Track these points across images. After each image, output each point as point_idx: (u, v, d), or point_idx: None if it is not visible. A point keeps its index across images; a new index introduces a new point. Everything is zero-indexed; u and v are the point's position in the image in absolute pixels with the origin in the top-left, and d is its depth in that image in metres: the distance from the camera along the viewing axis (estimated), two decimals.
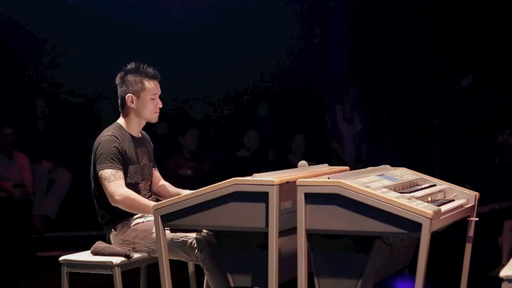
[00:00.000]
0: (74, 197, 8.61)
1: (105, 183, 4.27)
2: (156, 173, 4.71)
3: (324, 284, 3.65)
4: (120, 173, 4.29)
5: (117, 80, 4.50)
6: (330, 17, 10.03)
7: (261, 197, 3.61)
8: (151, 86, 4.46)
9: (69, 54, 9.30)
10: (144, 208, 4.22)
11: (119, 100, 4.50)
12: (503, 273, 3.48)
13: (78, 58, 9.20)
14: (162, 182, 4.74)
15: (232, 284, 3.88)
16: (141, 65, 4.47)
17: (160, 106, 4.50)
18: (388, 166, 4.37)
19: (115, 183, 4.25)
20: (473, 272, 4.39)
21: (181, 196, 3.85)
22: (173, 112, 9.25)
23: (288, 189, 3.69)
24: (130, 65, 4.49)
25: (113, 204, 4.29)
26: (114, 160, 4.29)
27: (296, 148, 8.74)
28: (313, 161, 4.47)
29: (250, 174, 3.76)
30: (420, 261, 3.44)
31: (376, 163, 4.54)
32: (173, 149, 8.58)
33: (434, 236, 3.55)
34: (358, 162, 8.58)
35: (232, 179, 3.73)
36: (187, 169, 8.44)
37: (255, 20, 9.45)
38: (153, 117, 4.51)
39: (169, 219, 3.84)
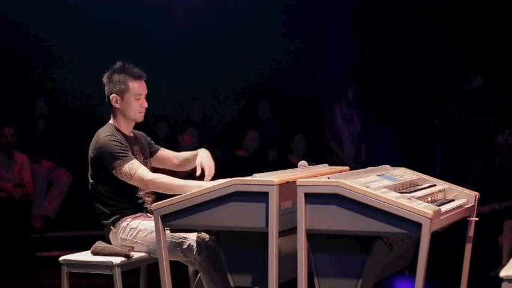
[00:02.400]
0: (74, 197, 8.61)
1: (130, 179, 4.28)
2: (165, 153, 4.73)
3: (324, 284, 3.65)
4: (136, 162, 4.31)
5: (104, 79, 4.49)
6: (330, 18, 10.02)
7: (261, 197, 3.61)
8: (135, 87, 4.44)
9: (69, 54, 9.30)
10: (181, 189, 4.18)
11: (106, 99, 4.50)
12: (503, 273, 3.49)
13: (79, 58, 9.20)
14: (176, 156, 4.76)
15: (232, 284, 3.88)
16: (126, 65, 4.46)
17: (146, 106, 4.49)
18: (388, 166, 4.37)
19: (138, 174, 4.26)
20: (473, 272, 4.39)
21: (181, 196, 3.85)
22: (174, 113, 9.26)
23: (288, 189, 3.69)
24: (117, 65, 4.48)
25: (149, 189, 4.35)
26: (123, 153, 4.30)
27: (296, 148, 8.73)
28: (313, 161, 4.47)
29: (250, 174, 3.76)
30: (420, 261, 3.44)
31: (376, 163, 4.55)
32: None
33: (434, 236, 3.55)
34: (357, 162, 8.57)
35: (232, 179, 3.73)
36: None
37: (255, 22, 9.44)
38: (138, 117, 4.50)
39: (169, 219, 3.84)
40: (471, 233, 4.30)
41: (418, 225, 3.41)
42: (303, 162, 4.38)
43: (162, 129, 8.89)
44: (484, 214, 6.47)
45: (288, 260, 3.76)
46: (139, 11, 9.41)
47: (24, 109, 8.88)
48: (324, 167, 4.42)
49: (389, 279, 4.54)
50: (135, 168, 4.27)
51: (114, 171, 4.29)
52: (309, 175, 3.92)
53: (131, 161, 4.29)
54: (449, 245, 5.48)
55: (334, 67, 9.95)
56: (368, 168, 4.26)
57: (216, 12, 9.47)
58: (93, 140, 4.42)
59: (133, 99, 4.44)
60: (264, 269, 3.61)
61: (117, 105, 4.44)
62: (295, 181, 3.61)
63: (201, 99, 9.78)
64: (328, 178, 3.67)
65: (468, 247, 4.31)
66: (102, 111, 9.16)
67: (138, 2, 9.47)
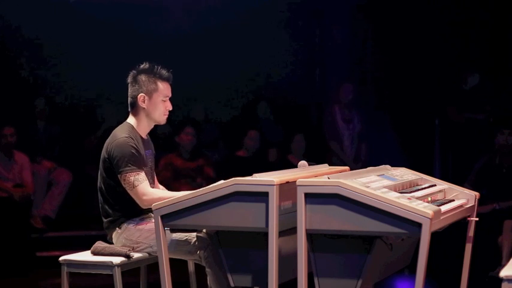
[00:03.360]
0: (74, 197, 8.61)
1: (131, 189, 4.26)
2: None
3: (324, 284, 3.65)
4: (142, 175, 4.29)
5: (129, 79, 4.47)
6: (330, 18, 10.02)
7: (261, 197, 3.62)
8: (164, 88, 4.45)
9: (69, 54, 9.29)
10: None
11: (130, 99, 4.46)
12: (503, 273, 3.49)
13: (79, 58, 9.19)
14: (158, 185, 4.74)
15: (232, 284, 3.88)
16: (155, 66, 4.47)
17: (170, 109, 4.49)
18: (388, 166, 4.37)
19: (140, 187, 4.25)
20: (473, 272, 4.39)
21: (181, 196, 3.85)
22: (173, 113, 9.23)
23: (288, 189, 3.69)
24: (144, 65, 4.47)
25: (145, 207, 4.27)
26: (134, 162, 4.27)
27: (296, 148, 8.74)
28: (313, 161, 4.47)
29: (250, 174, 3.76)
30: (420, 261, 3.44)
31: (375, 163, 4.54)
32: (172, 150, 8.58)
33: (434, 236, 3.55)
34: (357, 162, 8.58)
35: (232, 179, 3.73)
36: (185, 169, 8.43)
37: (255, 22, 9.44)
38: (162, 119, 4.49)
39: (170, 219, 3.84)
40: (471, 233, 4.30)
41: (418, 225, 3.41)
42: (303, 162, 4.38)
43: (162, 129, 8.89)
44: (484, 214, 6.47)
45: (288, 260, 3.76)
46: (139, 11, 9.41)
47: (24, 109, 8.87)
48: (324, 167, 4.43)
49: (389, 279, 4.55)
50: (139, 180, 4.26)
51: (119, 176, 4.28)
52: (309, 175, 3.92)
53: (139, 173, 4.27)
54: (449, 245, 5.48)
55: (334, 67, 9.96)
56: (368, 168, 4.26)
57: (216, 12, 9.47)
58: (109, 139, 4.39)
59: (160, 100, 4.43)
60: (264, 269, 3.61)
61: (143, 105, 4.41)
62: (295, 181, 3.61)
63: (201, 99, 9.78)
64: (328, 178, 3.67)
65: (468, 247, 4.31)
66: (102, 111, 9.21)
67: (139, 3, 9.47)
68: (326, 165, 4.49)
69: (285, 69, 9.90)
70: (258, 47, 9.58)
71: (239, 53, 9.50)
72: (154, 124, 4.52)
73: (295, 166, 4.39)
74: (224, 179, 3.82)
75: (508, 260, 4.82)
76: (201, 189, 3.83)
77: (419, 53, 9.10)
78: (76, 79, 9.28)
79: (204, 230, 4.13)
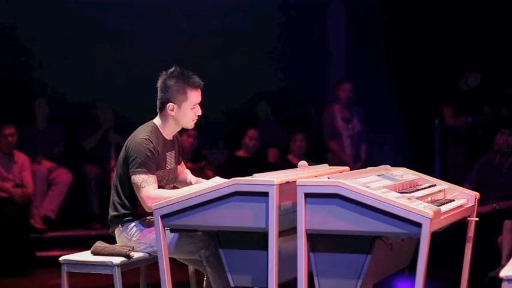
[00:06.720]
0: (74, 197, 8.61)
1: (137, 190, 4.24)
2: (181, 168, 4.68)
3: (324, 284, 3.65)
4: (152, 177, 4.25)
5: (159, 84, 4.38)
6: (330, 17, 10.03)
7: (261, 197, 3.62)
8: (194, 96, 4.36)
9: (69, 54, 9.29)
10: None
11: (158, 103, 4.39)
12: (503, 273, 3.49)
13: (79, 59, 9.19)
14: (185, 171, 4.72)
15: (232, 284, 3.88)
16: (185, 72, 4.37)
17: (199, 114, 4.40)
18: (388, 166, 4.37)
19: (146, 189, 4.21)
20: (473, 272, 4.39)
21: (182, 196, 3.85)
22: None
23: (288, 189, 3.69)
24: (174, 70, 4.38)
25: (148, 209, 4.21)
26: (147, 164, 4.25)
27: (296, 148, 8.74)
28: (313, 161, 4.47)
29: (250, 175, 3.77)
30: (420, 261, 3.44)
31: (375, 163, 4.54)
32: None
33: (435, 236, 3.55)
34: (357, 162, 8.58)
35: (232, 179, 3.73)
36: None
37: (255, 21, 9.44)
38: (190, 125, 4.44)
39: (170, 219, 3.85)
40: (471, 233, 4.30)
41: (418, 225, 3.41)
42: (303, 162, 4.39)
43: None
44: (484, 214, 6.47)
45: (288, 260, 3.76)
46: (139, 12, 9.41)
47: (24, 109, 8.87)
48: (324, 167, 4.43)
49: (389, 279, 4.55)
50: (147, 183, 4.23)
51: (130, 175, 4.27)
52: (309, 175, 3.92)
53: (148, 175, 4.24)
54: (449, 245, 5.48)
55: (333, 67, 9.95)
56: (368, 168, 4.26)
57: (216, 13, 9.47)
58: (130, 137, 4.37)
59: (189, 108, 4.35)
60: (264, 269, 3.61)
61: (172, 113, 4.35)
62: (295, 181, 3.62)
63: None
64: (328, 178, 3.67)
65: (468, 247, 4.32)
66: (102, 112, 9.19)
67: (138, 3, 9.47)
68: (326, 165, 4.49)
69: (285, 69, 9.90)
70: (257, 46, 9.58)
71: (239, 53, 9.49)
72: (181, 128, 4.47)
73: (295, 166, 4.39)
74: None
75: (508, 260, 4.83)
76: (201, 189, 3.84)
77: (419, 53, 9.10)
78: (76, 79, 9.27)
79: None
